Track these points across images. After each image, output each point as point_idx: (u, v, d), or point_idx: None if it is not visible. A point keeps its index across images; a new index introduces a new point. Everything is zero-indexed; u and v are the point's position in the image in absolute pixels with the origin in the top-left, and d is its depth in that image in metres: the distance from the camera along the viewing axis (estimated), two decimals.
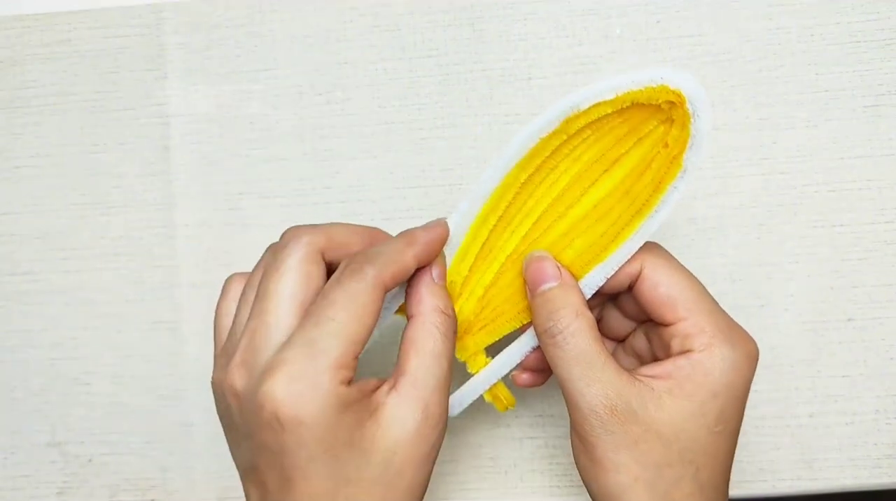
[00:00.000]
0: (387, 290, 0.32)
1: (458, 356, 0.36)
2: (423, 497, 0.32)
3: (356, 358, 0.30)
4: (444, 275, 0.34)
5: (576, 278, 0.34)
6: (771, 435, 0.42)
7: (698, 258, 0.44)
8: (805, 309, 0.43)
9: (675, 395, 0.31)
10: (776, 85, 0.44)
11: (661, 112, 0.32)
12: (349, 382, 0.30)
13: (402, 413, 0.30)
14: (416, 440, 0.30)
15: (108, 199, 0.46)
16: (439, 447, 0.32)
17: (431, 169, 0.45)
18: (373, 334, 0.31)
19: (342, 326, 0.30)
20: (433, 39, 0.46)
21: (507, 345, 0.36)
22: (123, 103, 0.47)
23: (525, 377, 0.37)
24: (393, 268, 0.32)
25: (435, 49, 0.46)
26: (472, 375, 0.36)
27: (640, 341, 0.36)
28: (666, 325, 0.33)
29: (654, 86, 0.31)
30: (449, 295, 0.34)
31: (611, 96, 0.32)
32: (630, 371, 0.32)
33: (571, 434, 0.33)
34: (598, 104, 0.32)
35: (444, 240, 0.34)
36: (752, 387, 0.43)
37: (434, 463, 0.32)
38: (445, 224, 0.34)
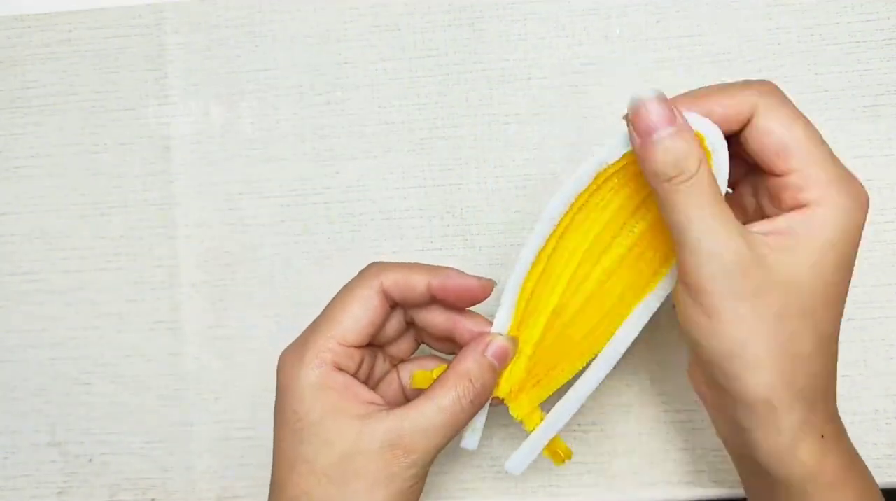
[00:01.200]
0: (387, 295, 0.35)
1: (513, 414, 0.36)
2: None
3: (349, 345, 0.34)
4: (501, 355, 0.35)
5: (625, 315, 0.35)
6: None
7: None
8: None
9: (792, 251, 0.30)
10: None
11: None
12: (337, 368, 0.34)
13: (374, 430, 0.33)
14: (378, 462, 0.33)
15: (108, 199, 0.46)
16: (407, 484, 0.33)
17: (431, 169, 0.45)
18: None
19: (334, 314, 0.35)
20: (433, 39, 0.46)
21: (558, 398, 0.36)
22: (124, 103, 0.47)
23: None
24: (396, 277, 0.35)
25: (435, 49, 0.46)
26: (529, 433, 0.36)
27: (745, 193, 0.34)
28: (777, 175, 0.31)
29: None
30: (493, 373, 0.35)
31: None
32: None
33: (680, 292, 0.31)
34: (625, 154, 0.33)
35: (472, 292, 0.35)
36: None
37: (401, 493, 0.33)
38: (489, 284, 0.35)
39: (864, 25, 0.44)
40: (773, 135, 0.30)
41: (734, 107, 0.31)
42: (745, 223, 0.31)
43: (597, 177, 0.34)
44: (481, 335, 0.35)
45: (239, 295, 0.45)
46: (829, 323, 0.31)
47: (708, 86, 0.32)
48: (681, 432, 0.43)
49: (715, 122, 0.31)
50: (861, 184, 0.31)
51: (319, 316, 0.35)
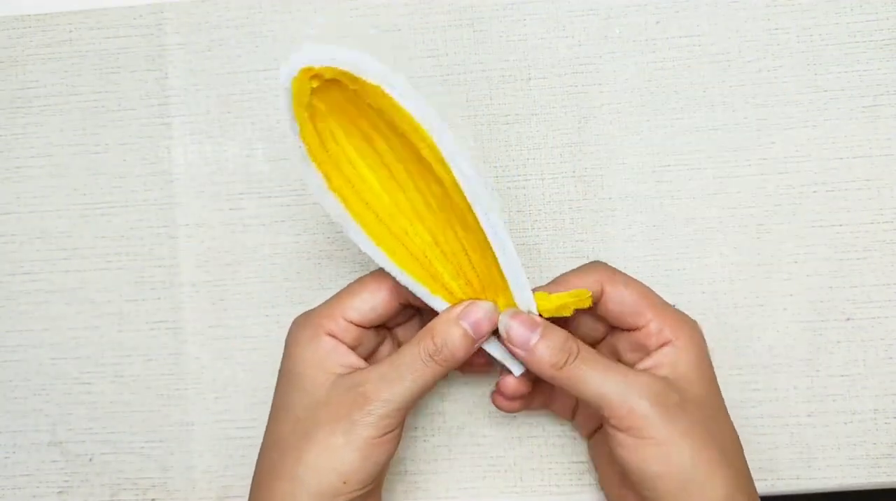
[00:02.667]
0: (398, 293, 0.38)
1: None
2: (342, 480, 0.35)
3: (350, 322, 0.37)
4: (474, 320, 0.36)
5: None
6: (769, 434, 0.43)
7: (697, 258, 0.44)
8: (804, 309, 0.43)
9: (677, 372, 0.36)
10: (775, 85, 0.45)
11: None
12: (330, 335, 0.37)
13: (344, 381, 0.36)
14: (340, 409, 0.35)
15: (108, 199, 0.46)
16: (366, 433, 0.35)
17: None
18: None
19: (343, 294, 0.38)
20: (433, 40, 0.46)
21: None
22: (124, 103, 0.47)
23: (504, 403, 0.40)
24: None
25: (435, 49, 0.46)
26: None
27: (605, 354, 0.39)
28: (636, 329, 0.38)
29: None
30: (460, 332, 0.36)
31: None
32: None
33: (618, 440, 0.35)
34: None
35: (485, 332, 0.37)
36: (751, 387, 0.43)
37: (359, 442, 0.35)
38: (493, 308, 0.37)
39: (863, 25, 0.44)
40: (626, 300, 0.37)
41: (589, 287, 0.37)
42: None
43: None
44: (465, 302, 0.37)
45: (239, 295, 0.45)
46: (727, 420, 0.37)
47: (556, 278, 0.38)
48: None
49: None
50: (692, 319, 0.38)
51: (337, 293, 0.39)
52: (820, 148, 0.44)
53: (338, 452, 0.35)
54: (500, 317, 0.36)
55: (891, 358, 0.43)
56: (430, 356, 0.36)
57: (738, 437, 0.37)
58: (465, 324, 0.36)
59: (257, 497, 0.37)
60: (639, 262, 0.44)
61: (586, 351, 0.36)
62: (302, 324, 0.38)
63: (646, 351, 0.37)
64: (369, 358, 0.39)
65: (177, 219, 0.46)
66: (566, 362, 0.35)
